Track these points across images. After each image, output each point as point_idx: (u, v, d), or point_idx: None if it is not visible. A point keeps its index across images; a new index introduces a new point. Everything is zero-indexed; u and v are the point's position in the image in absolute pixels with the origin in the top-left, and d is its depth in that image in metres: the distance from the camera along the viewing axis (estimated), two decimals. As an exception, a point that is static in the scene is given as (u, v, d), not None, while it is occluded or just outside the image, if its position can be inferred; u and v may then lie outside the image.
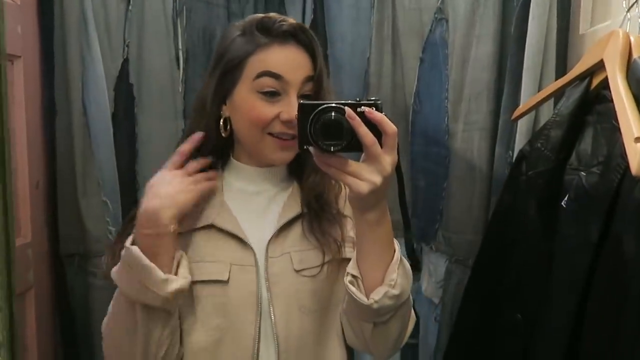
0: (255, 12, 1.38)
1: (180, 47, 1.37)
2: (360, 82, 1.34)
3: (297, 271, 0.75)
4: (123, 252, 0.68)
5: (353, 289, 0.68)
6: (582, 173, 0.84)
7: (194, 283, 0.71)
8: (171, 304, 0.68)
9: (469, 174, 1.20)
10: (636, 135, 0.68)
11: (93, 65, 1.20)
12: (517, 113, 1.08)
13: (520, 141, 1.12)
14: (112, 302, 0.72)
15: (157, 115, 1.33)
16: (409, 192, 1.32)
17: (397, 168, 0.64)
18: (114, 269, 0.70)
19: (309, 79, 0.73)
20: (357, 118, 0.60)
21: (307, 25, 1.36)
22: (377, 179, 0.61)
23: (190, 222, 0.74)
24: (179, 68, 1.36)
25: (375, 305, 0.66)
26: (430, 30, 1.29)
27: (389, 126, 0.61)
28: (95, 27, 1.20)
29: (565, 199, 0.86)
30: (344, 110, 0.61)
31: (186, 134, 0.78)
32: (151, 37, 1.31)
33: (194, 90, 1.30)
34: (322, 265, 0.75)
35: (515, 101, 1.14)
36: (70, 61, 1.17)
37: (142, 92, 1.32)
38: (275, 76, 0.72)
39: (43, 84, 1.20)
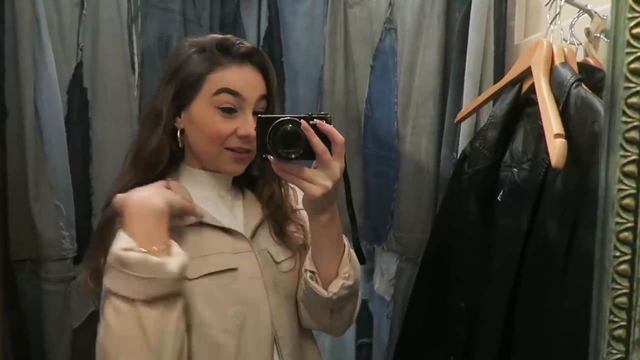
0: (211, 18, 1.43)
1: (135, 52, 1.40)
2: (315, 87, 1.41)
3: (277, 263, 0.82)
4: (116, 260, 0.64)
5: (314, 284, 0.77)
6: (515, 169, 0.93)
7: (203, 277, 0.74)
8: (180, 283, 0.67)
9: (418, 175, 1.29)
10: (555, 132, 0.77)
11: (46, 68, 1.21)
12: (459, 116, 1.17)
13: (463, 143, 1.21)
14: (108, 318, 0.65)
15: (112, 119, 1.35)
16: (361, 195, 1.39)
17: (344, 173, 0.72)
18: (106, 280, 0.66)
19: (262, 97, 0.81)
20: (311, 129, 0.69)
21: (262, 33, 1.43)
22: (329, 183, 0.69)
23: (177, 220, 0.74)
24: (134, 73, 1.39)
25: (334, 297, 0.77)
26: (380, 39, 1.38)
27: (337, 136, 0.70)
28: (48, 30, 1.21)
29: (501, 193, 0.95)
30: (299, 122, 0.69)
31: (139, 142, 0.80)
32: (106, 42, 1.33)
33: (150, 94, 1.33)
34: (292, 257, 0.84)
35: (458, 105, 1.23)
36: (22, 63, 1.17)
37: (96, 96, 1.34)
38: (234, 93, 0.78)
39: (-7, 86, 1.20)
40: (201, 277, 0.74)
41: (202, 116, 0.79)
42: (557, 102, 0.83)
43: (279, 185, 0.86)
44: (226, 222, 0.80)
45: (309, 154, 0.70)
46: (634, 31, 0.47)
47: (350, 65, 1.40)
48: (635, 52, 0.47)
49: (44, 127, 1.21)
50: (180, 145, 0.81)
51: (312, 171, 0.70)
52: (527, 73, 0.96)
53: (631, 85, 0.46)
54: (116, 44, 1.34)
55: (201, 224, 0.78)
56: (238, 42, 0.80)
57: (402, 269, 1.33)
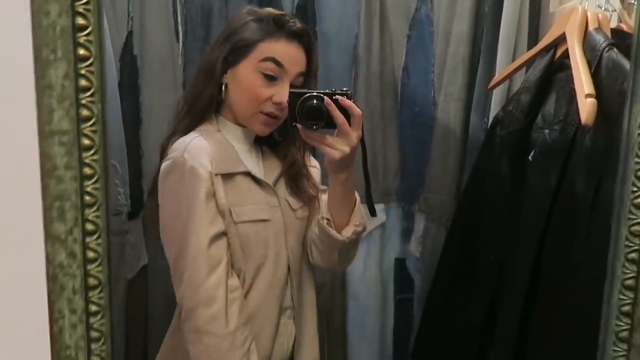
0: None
1: (179, 21, 1.49)
2: (347, 56, 1.47)
3: (294, 210, 0.95)
4: None
5: (329, 229, 0.91)
6: (546, 131, 1.00)
7: (244, 222, 0.87)
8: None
9: (445, 141, 1.36)
10: (586, 92, 0.84)
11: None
12: (493, 82, 1.24)
13: (494, 109, 1.27)
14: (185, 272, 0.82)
15: (158, 86, 1.45)
16: (398, 160, 1.47)
17: (362, 141, 0.85)
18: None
19: (301, 74, 0.91)
20: (333, 104, 0.81)
21: (297, 1, 1.50)
22: (346, 149, 0.83)
23: (225, 167, 0.87)
24: (178, 42, 1.49)
25: (346, 240, 0.91)
26: (416, 8, 1.44)
27: (356, 110, 0.82)
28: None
29: (532, 153, 1.03)
30: (323, 98, 0.82)
31: (195, 90, 0.92)
32: (152, 12, 1.42)
33: (193, 62, 1.43)
34: (304, 206, 0.98)
35: (490, 73, 1.29)
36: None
37: (144, 64, 1.44)
38: (278, 64, 0.88)
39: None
40: (242, 222, 0.87)
41: (246, 77, 0.89)
42: (590, 65, 0.89)
43: (298, 148, 0.97)
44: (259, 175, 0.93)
45: (331, 125, 0.83)
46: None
47: (386, 34, 1.46)
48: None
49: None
50: (222, 97, 0.92)
51: (333, 138, 0.83)
52: (561, 39, 1.01)
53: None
54: (161, 15, 1.43)
55: (247, 175, 0.90)
56: (292, 20, 0.91)
57: (428, 228, 1.41)
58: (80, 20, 0.55)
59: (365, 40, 1.45)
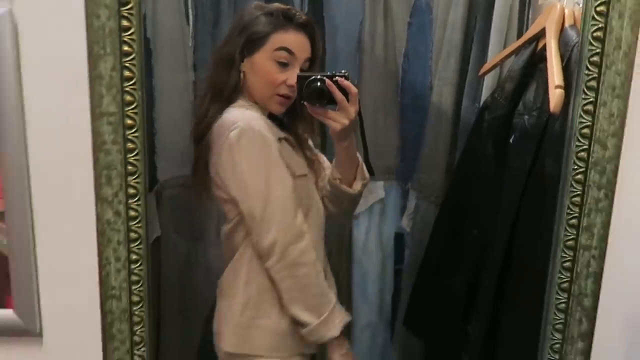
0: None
1: (190, 5, 1.62)
2: (353, 42, 1.61)
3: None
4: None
5: (342, 186, 1.12)
6: (525, 116, 1.14)
7: (298, 177, 1.05)
8: None
9: (437, 123, 1.49)
10: (556, 84, 0.97)
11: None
12: (483, 69, 1.37)
13: (485, 94, 1.41)
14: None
15: (169, 67, 1.58)
16: (398, 141, 1.62)
17: (359, 114, 1.03)
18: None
19: (308, 59, 1.08)
20: (333, 85, 0.99)
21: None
22: (346, 121, 1.01)
23: (274, 132, 1.03)
24: (188, 25, 1.62)
25: (357, 192, 1.13)
26: (417, -4, 1.57)
27: (352, 89, 1.00)
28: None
29: (512, 137, 1.17)
30: (324, 80, 0.99)
31: (218, 80, 1.06)
32: (163, -5, 1.55)
33: (203, 45, 1.56)
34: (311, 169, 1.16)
35: (482, 60, 1.42)
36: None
37: (156, 47, 1.57)
38: (290, 52, 1.04)
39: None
40: (298, 176, 1.04)
41: (263, 65, 1.05)
42: (562, 59, 1.03)
43: (308, 122, 1.12)
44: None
45: (332, 101, 1.00)
46: (598, 8, 0.68)
47: (388, 20, 1.58)
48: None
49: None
50: (241, 84, 1.08)
51: (335, 113, 1.01)
52: (543, 33, 1.15)
53: (591, 48, 0.68)
54: (172, -1, 1.56)
55: (283, 139, 1.07)
56: (298, 13, 1.06)
57: (419, 205, 1.56)
58: (125, 23, 0.70)
59: (370, 26, 1.58)
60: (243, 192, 0.99)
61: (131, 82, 0.72)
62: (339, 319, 1.01)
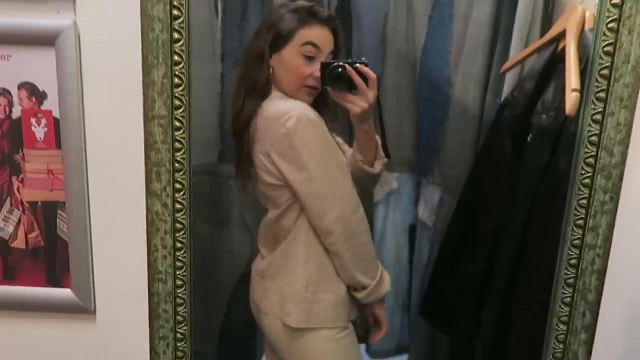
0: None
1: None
2: (377, 34, 1.68)
3: None
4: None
5: (365, 166, 1.20)
6: (543, 116, 1.22)
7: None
8: None
9: (463, 118, 1.57)
10: (573, 87, 1.05)
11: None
12: (505, 67, 1.44)
13: (506, 90, 1.48)
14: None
15: (199, 58, 1.68)
16: (413, 133, 1.70)
17: (378, 99, 1.11)
18: None
19: (331, 52, 1.17)
20: (353, 71, 1.07)
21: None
22: (365, 105, 1.09)
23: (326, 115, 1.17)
24: (217, 17, 1.71)
25: (379, 171, 1.22)
26: (440, -10, 1.63)
27: (371, 75, 1.08)
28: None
29: (530, 135, 1.25)
30: (345, 66, 1.08)
31: (251, 74, 1.16)
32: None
33: (230, 37, 1.65)
34: None
35: (505, 56, 1.49)
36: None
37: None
38: (316, 46, 1.13)
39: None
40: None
41: (291, 60, 1.14)
42: (580, 62, 1.10)
43: (332, 110, 1.22)
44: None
45: (352, 87, 1.09)
46: (609, 25, 0.76)
47: (410, 15, 1.66)
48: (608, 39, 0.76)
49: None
50: (269, 77, 1.18)
51: (354, 97, 1.09)
52: (564, 34, 1.21)
53: (601, 61, 0.76)
54: (202, -8, 1.64)
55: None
56: (322, 9, 1.16)
57: (444, 199, 1.65)
58: (176, 35, 0.80)
59: (393, 20, 1.64)
60: (306, 175, 1.08)
61: (180, 88, 0.83)
62: (387, 277, 1.17)
